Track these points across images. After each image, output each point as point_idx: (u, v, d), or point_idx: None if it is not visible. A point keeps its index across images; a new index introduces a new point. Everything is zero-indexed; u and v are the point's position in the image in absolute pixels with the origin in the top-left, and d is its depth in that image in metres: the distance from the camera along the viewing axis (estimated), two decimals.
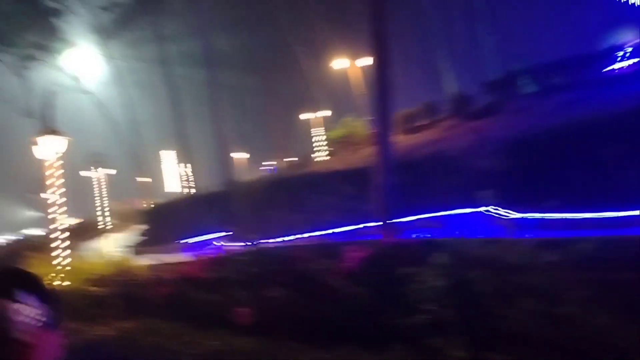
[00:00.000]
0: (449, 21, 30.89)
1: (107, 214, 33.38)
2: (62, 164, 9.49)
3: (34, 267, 10.23)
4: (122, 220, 35.03)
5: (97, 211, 35.55)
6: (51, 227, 9.48)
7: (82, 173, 35.94)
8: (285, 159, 49.14)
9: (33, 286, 1.13)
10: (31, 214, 71.97)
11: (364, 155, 14.43)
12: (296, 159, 41.34)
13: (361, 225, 9.71)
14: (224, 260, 7.34)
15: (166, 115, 50.56)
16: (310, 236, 8.07)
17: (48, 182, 9.26)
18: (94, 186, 35.88)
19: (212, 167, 46.42)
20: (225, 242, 13.86)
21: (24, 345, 1.03)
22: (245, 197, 14.42)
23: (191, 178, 45.20)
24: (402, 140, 12.97)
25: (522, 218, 9.04)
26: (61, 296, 7.77)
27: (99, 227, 30.53)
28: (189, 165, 38.22)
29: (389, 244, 5.78)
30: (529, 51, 22.12)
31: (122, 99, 40.44)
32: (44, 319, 1.08)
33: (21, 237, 51.24)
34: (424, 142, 10.98)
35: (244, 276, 5.76)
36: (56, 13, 33.60)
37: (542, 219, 8.72)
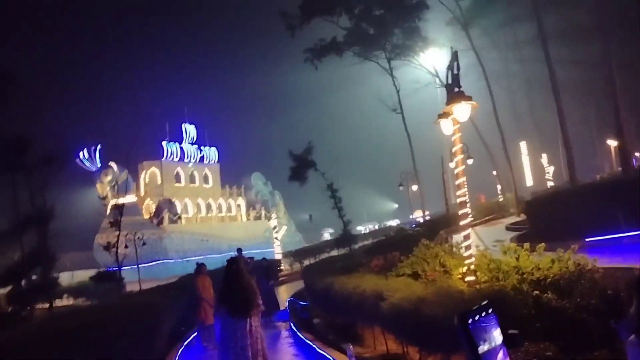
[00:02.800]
0: None
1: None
2: (461, 140, 7.83)
3: (438, 257, 9.03)
4: (480, 213, 33.55)
5: (454, 204, 35.14)
6: (460, 212, 7.89)
7: (449, 164, 36.16)
8: None
9: None
10: (390, 205, 79.49)
11: None
12: None
13: None
14: None
15: (521, 104, 47.07)
16: None
17: (455, 159, 7.70)
18: (455, 179, 35.63)
19: (583, 156, 40.44)
20: None
21: None
22: None
23: (552, 169, 40.51)
24: None
25: None
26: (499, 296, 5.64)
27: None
28: (554, 154, 33.86)
29: None
30: None
31: (475, 89, 39.14)
32: None
33: (383, 227, 56.52)
34: None
35: None
36: (418, 9, 34.65)
37: None
